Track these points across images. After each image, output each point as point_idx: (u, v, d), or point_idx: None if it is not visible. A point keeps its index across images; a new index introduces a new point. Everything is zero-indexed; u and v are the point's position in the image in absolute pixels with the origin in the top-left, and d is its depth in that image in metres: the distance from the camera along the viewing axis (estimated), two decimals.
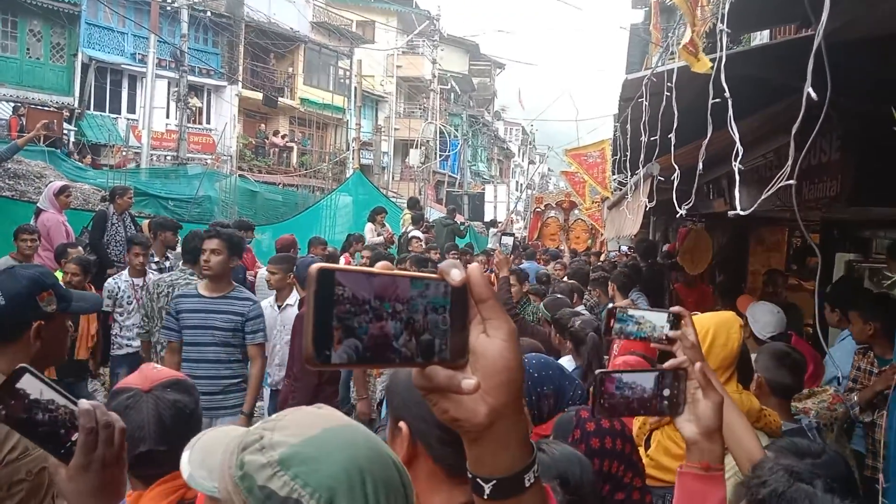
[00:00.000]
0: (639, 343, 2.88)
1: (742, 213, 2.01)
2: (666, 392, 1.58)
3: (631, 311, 2.04)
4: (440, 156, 38.85)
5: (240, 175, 20.36)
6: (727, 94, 1.88)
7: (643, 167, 3.83)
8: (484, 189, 38.15)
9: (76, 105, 22.64)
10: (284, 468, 0.91)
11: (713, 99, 2.11)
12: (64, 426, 1.22)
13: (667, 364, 1.67)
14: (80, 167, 15.22)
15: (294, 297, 5.70)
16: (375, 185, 18.65)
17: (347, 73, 33.15)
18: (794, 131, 1.70)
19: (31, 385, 1.19)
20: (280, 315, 5.69)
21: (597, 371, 1.62)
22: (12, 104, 20.30)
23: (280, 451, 0.92)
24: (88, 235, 7.98)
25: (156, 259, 7.16)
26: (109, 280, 6.50)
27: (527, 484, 0.74)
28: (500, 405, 0.70)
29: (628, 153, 4.28)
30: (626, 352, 3.79)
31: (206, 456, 1.07)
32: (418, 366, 0.69)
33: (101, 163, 20.01)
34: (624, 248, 15.80)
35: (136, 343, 6.15)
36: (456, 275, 0.69)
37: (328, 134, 33.68)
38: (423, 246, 10.39)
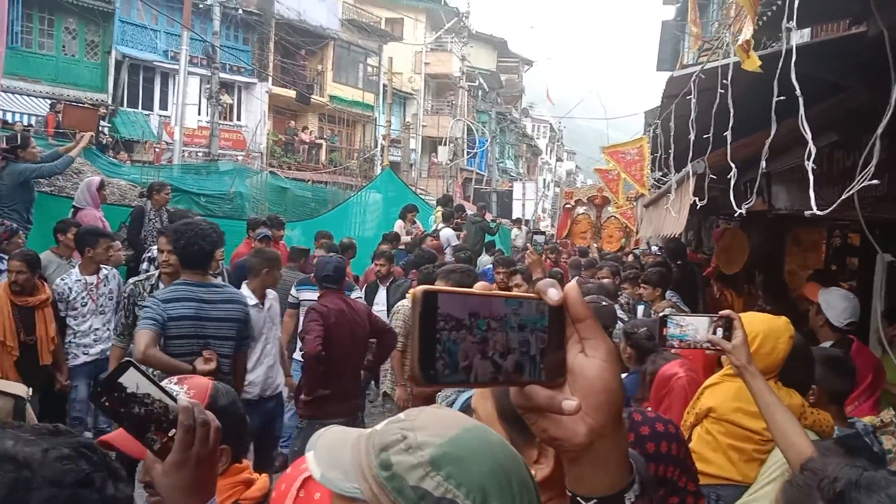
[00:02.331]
0: (699, 352, 2.88)
1: (819, 213, 1.99)
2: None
3: (677, 317, 2.13)
4: (468, 153, 38.82)
5: (270, 171, 20.52)
6: (798, 92, 1.85)
7: (691, 164, 3.77)
8: (512, 186, 38.07)
9: (110, 102, 22.98)
10: (436, 468, 0.91)
11: (775, 96, 2.08)
12: (157, 421, 1.24)
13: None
14: (115, 163, 15.42)
15: (273, 293, 5.37)
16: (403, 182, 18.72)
17: (376, 70, 33.24)
18: (879, 130, 1.67)
19: (132, 379, 1.22)
20: (267, 313, 5.23)
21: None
22: (49, 101, 20.65)
23: (429, 451, 0.93)
24: (126, 230, 8.11)
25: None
26: (58, 281, 5.77)
27: (627, 503, 0.74)
28: (599, 425, 0.70)
29: (671, 150, 4.22)
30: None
31: (333, 456, 1.06)
32: (517, 384, 0.69)
33: (133, 159, 20.28)
34: (654, 248, 15.56)
35: (95, 350, 5.72)
36: (553, 294, 0.70)
37: (356, 131, 33.81)
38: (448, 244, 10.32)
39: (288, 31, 27.99)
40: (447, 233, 11.77)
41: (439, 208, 13.18)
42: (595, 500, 0.73)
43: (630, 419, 2.10)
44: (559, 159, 65.70)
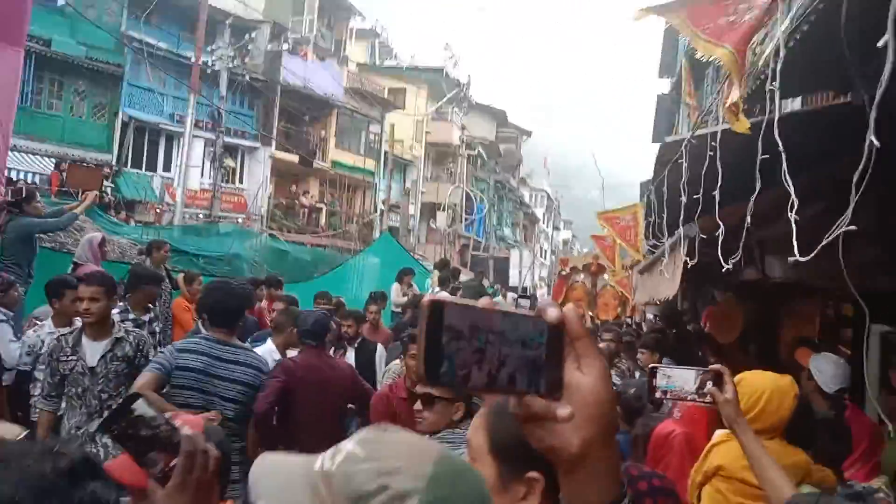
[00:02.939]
0: (703, 409, 2.89)
1: (801, 259, 2.04)
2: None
3: (665, 368, 2.18)
4: (466, 219, 39.19)
5: (270, 234, 20.66)
6: (781, 149, 1.93)
7: (683, 227, 3.86)
8: (509, 253, 38.28)
9: (114, 162, 23.28)
10: None
11: (761, 155, 2.16)
12: (163, 445, 1.32)
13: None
14: (116, 222, 15.54)
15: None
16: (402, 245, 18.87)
17: (378, 137, 33.89)
18: (852, 203, 1.73)
19: (142, 408, 1.32)
20: None
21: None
22: (54, 160, 20.91)
23: (417, 499, 0.91)
24: (125, 288, 8.12)
25: (131, 315, 6.08)
26: (30, 333, 5.49)
27: None
28: (591, 436, 0.74)
29: (664, 215, 4.31)
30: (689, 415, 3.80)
31: None
32: (517, 394, 0.73)
33: (135, 219, 20.43)
34: (650, 317, 15.47)
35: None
36: (552, 313, 0.75)
37: (356, 196, 34.21)
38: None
39: (293, 97, 28.61)
40: (443, 296, 11.79)
41: (436, 272, 13.24)
42: None
43: (627, 474, 2.09)
44: (556, 228, 66.29)
